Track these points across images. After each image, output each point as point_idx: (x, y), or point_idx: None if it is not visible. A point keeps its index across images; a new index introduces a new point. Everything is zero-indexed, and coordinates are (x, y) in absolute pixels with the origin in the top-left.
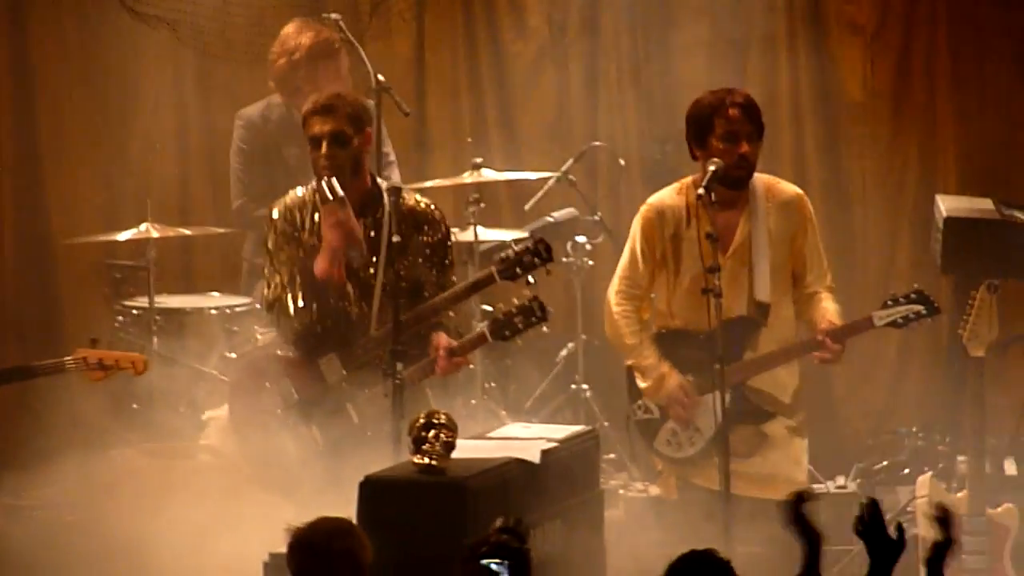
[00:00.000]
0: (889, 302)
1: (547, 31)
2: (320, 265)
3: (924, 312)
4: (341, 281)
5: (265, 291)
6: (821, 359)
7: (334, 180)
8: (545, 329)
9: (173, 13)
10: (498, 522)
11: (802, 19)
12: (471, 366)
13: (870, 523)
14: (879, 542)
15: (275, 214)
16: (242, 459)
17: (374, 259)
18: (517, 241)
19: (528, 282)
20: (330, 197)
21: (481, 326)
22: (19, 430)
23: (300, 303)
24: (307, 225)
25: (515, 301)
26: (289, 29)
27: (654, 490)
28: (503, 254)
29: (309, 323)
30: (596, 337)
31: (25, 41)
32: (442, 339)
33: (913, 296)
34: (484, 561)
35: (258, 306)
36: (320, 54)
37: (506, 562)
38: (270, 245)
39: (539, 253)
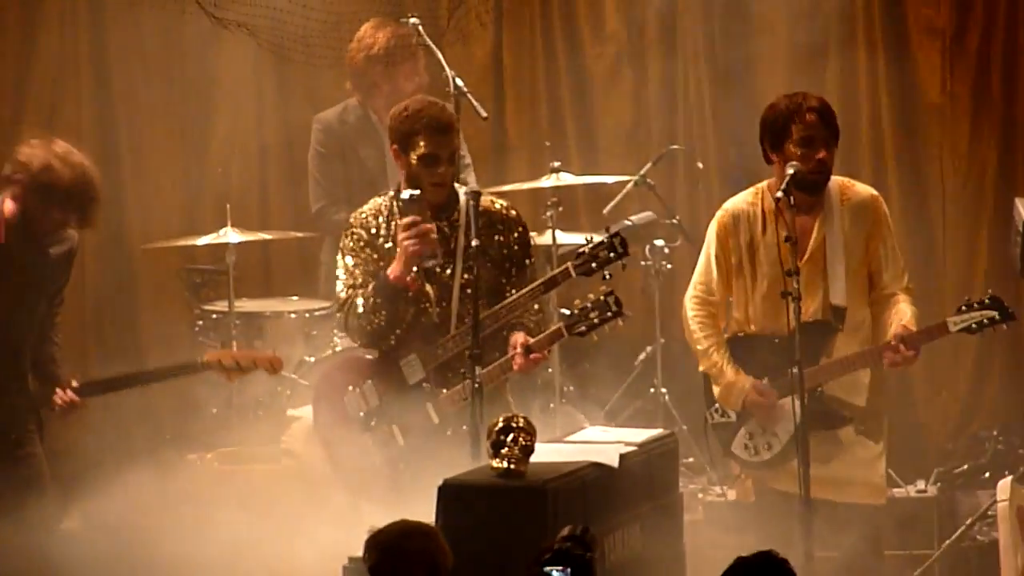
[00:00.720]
0: (964, 308)
1: (625, 35)
2: (395, 270)
3: (998, 318)
4: (414, 287)
5: (338, 291)
6: (892, 363)
7: (417, 191)
8: (620, 323)
9: (253, 18)
10: (565, 530)
11: (880, 23)
12: (548, 369)
13: None
14: None
15: (353, 219)
16: (326, 462)
17: (451, 261)
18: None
19: (604, 277)
20: (410, 202)
21: (558, 323)
22: (100, 437)
23: (370, 303)
24: (384, 232)
25: (591, 297)
26: (367, 28)
27: (732, 494)
28: (579, 250)
29: (379, 327)
30: (674, 341)
31: (105, 44)
32: (519, 337)
33: (988, 302)
34: (547, 568)
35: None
36: (397, 52)
37: (568, 570)
38: (347, 248)
39: (614, 248)
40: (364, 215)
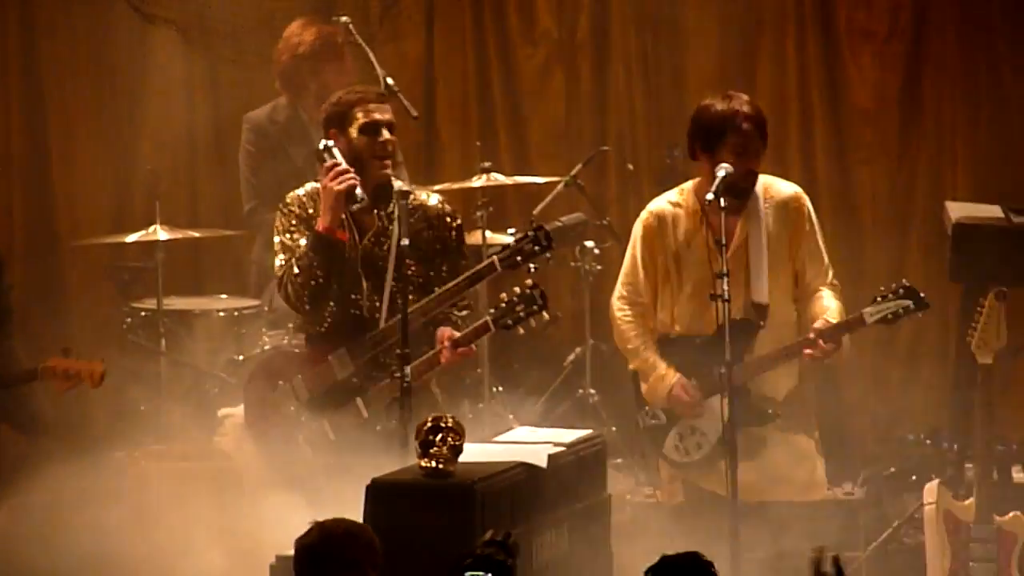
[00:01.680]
0: (879, 298)
1: (556, 36)
2: (323, 221)
3: (913, 307)
4: (345, 238)
5: (276, 267)
6: (811, 357)
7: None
8: (546, 316)
9: (182, 15)
10: (488, 535)
11: (812, 26)
12: (478, 369)
13: None
14: None
15: (289, 199)
16: (257, 458)
17: (385, 248)
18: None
19: (529, 270)
20: (325, 151)
21: (484, 317)
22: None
23: (305, 263)
24: (317, 213)
25: (516, 291)
26: (294, 27)
27: (661, 495)
28: (505, 244)
29: (318, 286)
30: (604, 342)
31: (35, 40)
32: (446, 331)
33: (901, 291)
34: (468, 574)
35: (266, 308)
36: (324, 51)
37: (489, 575)
38: (282, 227)
39: (539, 241)
40: (299, 195)
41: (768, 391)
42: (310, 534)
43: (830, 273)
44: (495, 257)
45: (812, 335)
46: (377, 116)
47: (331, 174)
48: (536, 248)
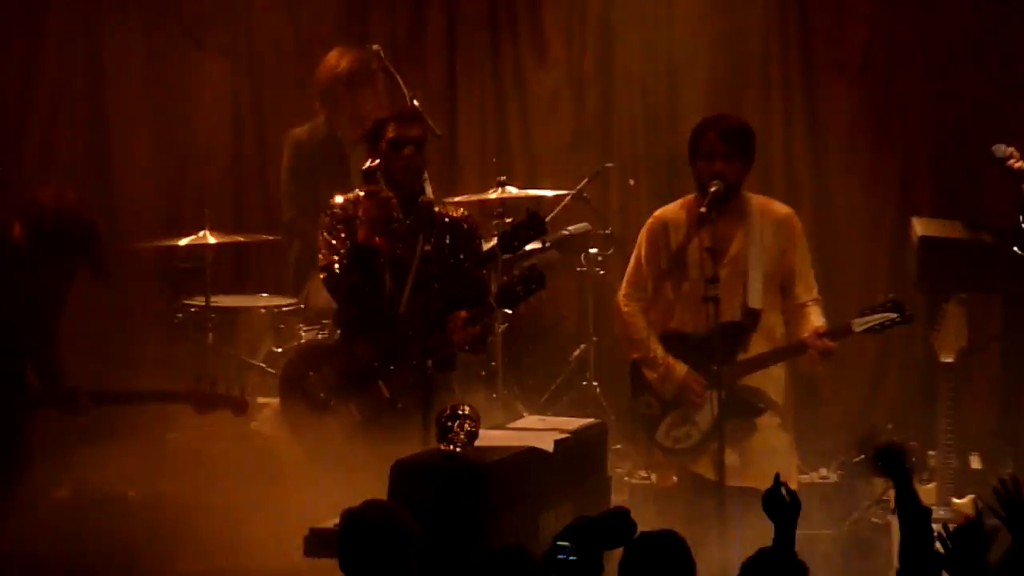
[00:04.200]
0: (867, 310)
1: (564, 64)
2: (362, 234)
3: (898, 319)
4: (383, 246)
5: (320, 262)
6: (819, 351)
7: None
8: (544, 295)
9: (231, 42)
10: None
11: (794, 59)
12: (492, 363)
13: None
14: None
15: (333, 203)
16: (292, 441)
17: (411, 256)
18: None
19: (524, 251)
20: (369, 173)
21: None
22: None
23: (346, 264)
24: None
25: (515, 272)
26: (332, 53)
27: (655, 478)
28: (502, 231)
29: (356, 284)
30: (606, 339)
31: (100, 56)
32: (460, 314)
33: (888, 304)
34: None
35: (302, 306)
36: (359, 75)
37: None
38: (326, 226)
39: (532, 225)
40: (343, 200)
41: (765, 388)
42: (352, 512)
43: (815, 289)
44: (495, 243)
45: (812, 337)
46: (404, 134)
47: (375, 201)
48: (531, 231)
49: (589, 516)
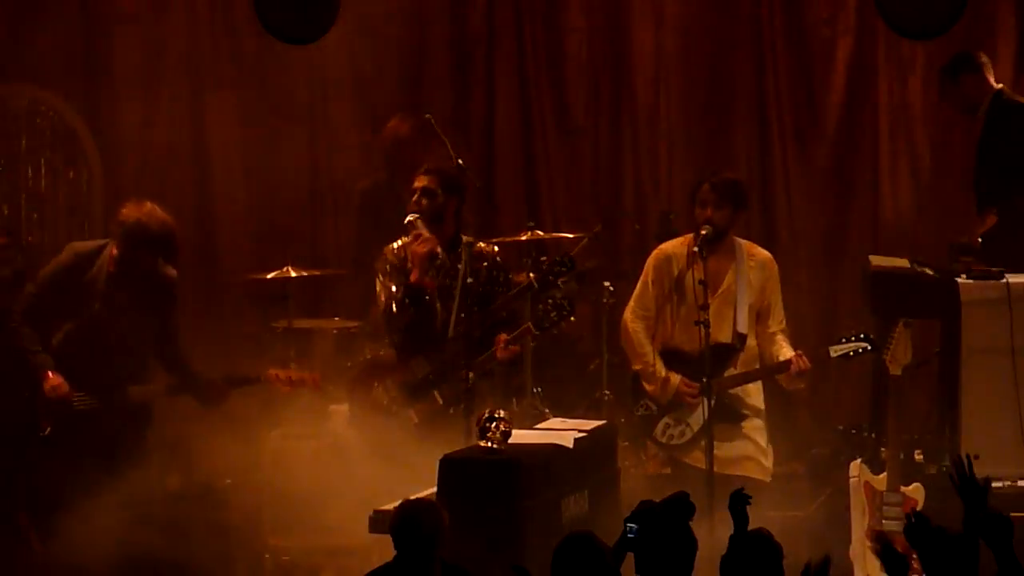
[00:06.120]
0: (843, 339)
1: (583, 128)
2: (413, 275)
3: (869, 348)
4: (431, 285)
5: (378, 303)
6: (798, 371)
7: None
8: (573, 320)
9: (309, 113)
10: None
11: (776, 130)
12: (522, 375)
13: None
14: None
15: (387, 251)
16: (359, 441)
17: (454, 286)
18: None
19: (559, 285)
20: (409, 222)
21: (527, 323)
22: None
23: (400, 303)
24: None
25: (550, 301)
26: (394, 121)
27: (651, 468)
28: (541, 270)
29: (410, 321)
30: (616, 356)
31: (203, 119)
32: (502, 336)
33: (861, 336)
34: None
35: (367, 328)
36: (416, 138)
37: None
38: (382, 271)
39: (564, 264)
40: (394, 248)
41: (747, 397)
42: (404, 506)
43: (783, 321)
44: (532, 276)
45: (792, 359)
46: (416, 184)
47: (418, 241)
48: (564, 269)
49: (653, 501)
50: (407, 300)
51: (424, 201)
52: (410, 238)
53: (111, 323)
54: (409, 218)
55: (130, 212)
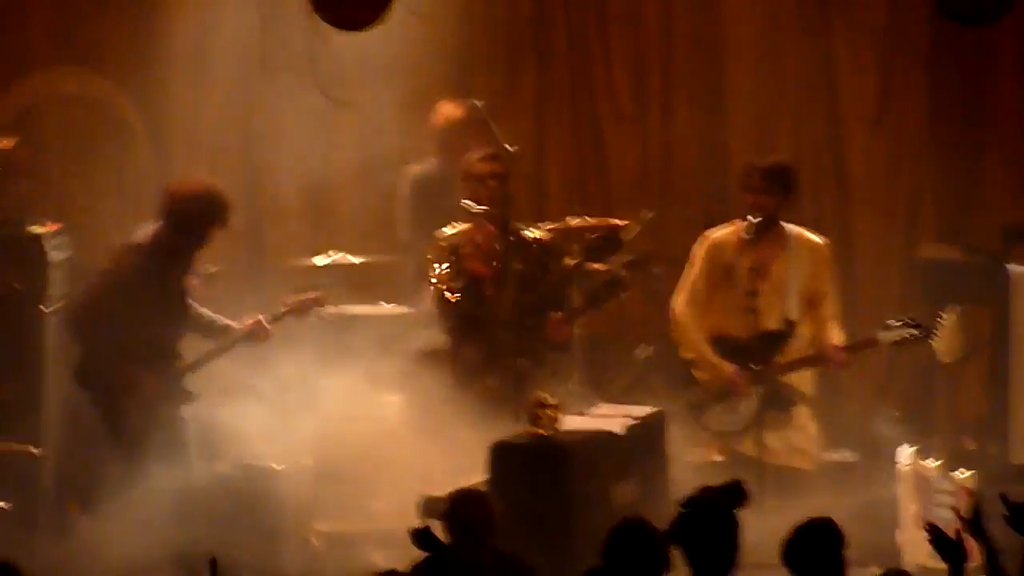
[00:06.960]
0: (893, 325)
1: (631, 119)
2: (471, 265)
3: (919, 335)
4: (488, 273)
5: (434, 288)
6: (838, 364)
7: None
8: (624, 294)
9: (359, 99)
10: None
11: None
12: (572, 360)
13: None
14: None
15: (439, 236)
16: (415, 430)
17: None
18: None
19: (607, 261)
20: (471, 211)
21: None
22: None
23: (455, 290)
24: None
25: (601, 279)
26: (446, 106)
27: (701, 454)
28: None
29: (462, 310)
30: (665, 342)
31: (254, 107)
32: (556, 315)
33: (910, 321)
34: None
35: (416, 314)
36: (466, 124)
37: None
38: (436, 257)
39: (612, 240)
40: (448, 234)
41: (798, 385)
42: (454, 494)
43: (836, 307)
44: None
45: (837, 350)
46: (483, 169)
47: (480, 230)
48: (610, 246)
49: (711, 486)
50: (461, 287)
51: (493, 183)
52: (472, 226)
53: (166, 300)
54: (476, 209)
55: (177, 187)
